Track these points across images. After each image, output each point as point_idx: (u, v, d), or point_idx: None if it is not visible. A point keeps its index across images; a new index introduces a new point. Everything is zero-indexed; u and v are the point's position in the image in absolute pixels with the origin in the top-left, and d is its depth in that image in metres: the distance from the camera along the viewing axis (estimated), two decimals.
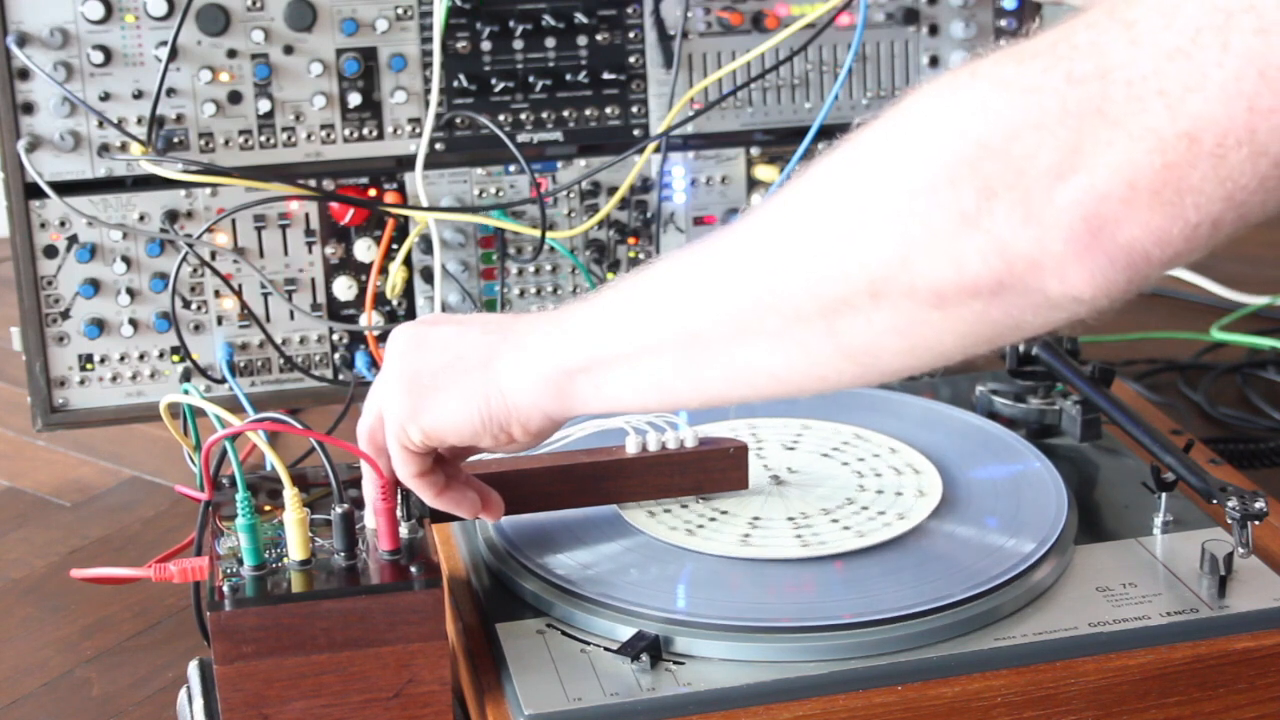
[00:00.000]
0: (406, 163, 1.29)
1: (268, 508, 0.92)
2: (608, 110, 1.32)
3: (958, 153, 0.68)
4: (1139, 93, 0.64)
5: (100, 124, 1.23)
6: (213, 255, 1.27)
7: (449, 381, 0.87)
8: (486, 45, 1.29)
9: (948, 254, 0.69)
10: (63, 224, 1.25)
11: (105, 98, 1.23)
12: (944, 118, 0.69)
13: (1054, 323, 0.71)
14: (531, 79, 1.30)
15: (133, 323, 1.28)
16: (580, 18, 1.30)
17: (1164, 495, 1.01)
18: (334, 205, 1.28)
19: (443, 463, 0.93)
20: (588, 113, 1.32)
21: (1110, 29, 0.65)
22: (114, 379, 1.28)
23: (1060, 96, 0.65)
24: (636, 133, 1.33)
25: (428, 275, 1.31)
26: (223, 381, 1.26)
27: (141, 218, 1.26)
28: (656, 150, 1.32)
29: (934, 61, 1.36)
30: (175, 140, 1.25)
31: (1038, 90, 0.66)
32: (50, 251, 1.25)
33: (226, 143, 1.26)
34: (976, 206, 0.67)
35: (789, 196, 0.76)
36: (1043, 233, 0.66)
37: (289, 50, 1.26)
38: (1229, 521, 0.96)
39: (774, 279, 0.75)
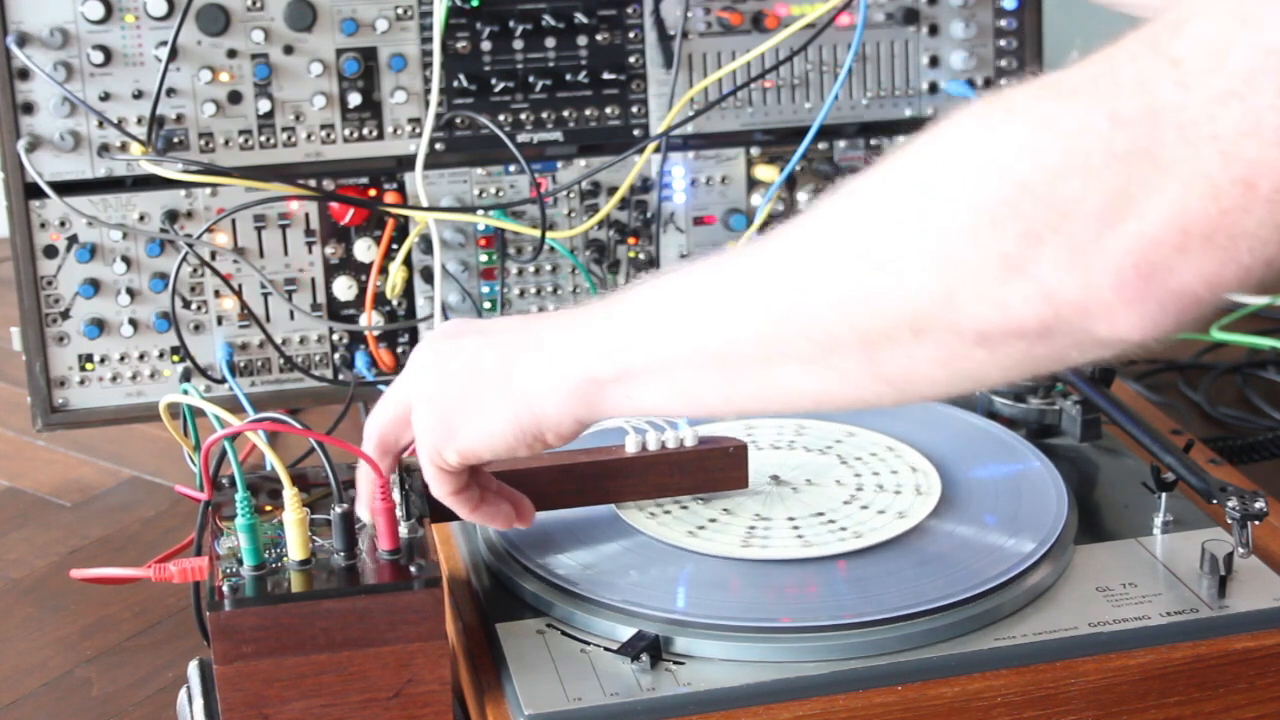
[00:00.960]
0: (406, 163, 1.29)
1: (268, 508, 0.92)
2: (608, 110, 1.32)
3: (998, 193, 0.66)
4: (1190, 136, 0.61)
5: (100, 124, 1.23)
6: (213, 255, 1.27)
7: (476, 402, 0.87)
8: (486, 45, 1.29)
9: (991, 297, 0.67)
10: (63, 224, 1.25)
11: (105, 98, 1.24)
12: (982, 154, 0.67)
13: (1101, 357, 0.70)
14: (531, 79, 1.30)
15: (133, 323, 1.28)
16: (580, 18, 1.30)
17: (1164, 495, 1.01)
18: (334, 205, 1.28)
19: (475, 474, 0.93)
20: (588, 113, 1.32)
21: (1156, 66, 0.63)
22: (114, 379, 1.28)
23: (1105, 138, 0.63)
24: (636, 133, 1.33)
25: (428, 275, 1.31)
26: (223, 381, 1.26)
27: (141, 218, 1.26)
28: (656, 150, 1.32)
29: (934, 61, 1.36)
30: (175, 140, 1.25)
31: (1081, 131, 0.64)
32: (50, 251, 1.25)
33: (226, 143, 1.26)
34: (1020, 250, 0.65)
35: (823, 216, 0.74)
36: (1091, 279, 0.65)
37: (289, 50, 1.26)
38: (1229, 521, 0.96)
39: (809, 304, 0.73)
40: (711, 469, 1.02)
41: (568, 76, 1.31)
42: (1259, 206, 0.62)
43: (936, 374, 0.72)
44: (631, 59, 1.32)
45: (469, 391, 0.87)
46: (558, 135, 1.32)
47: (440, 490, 0.91)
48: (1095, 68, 0.65)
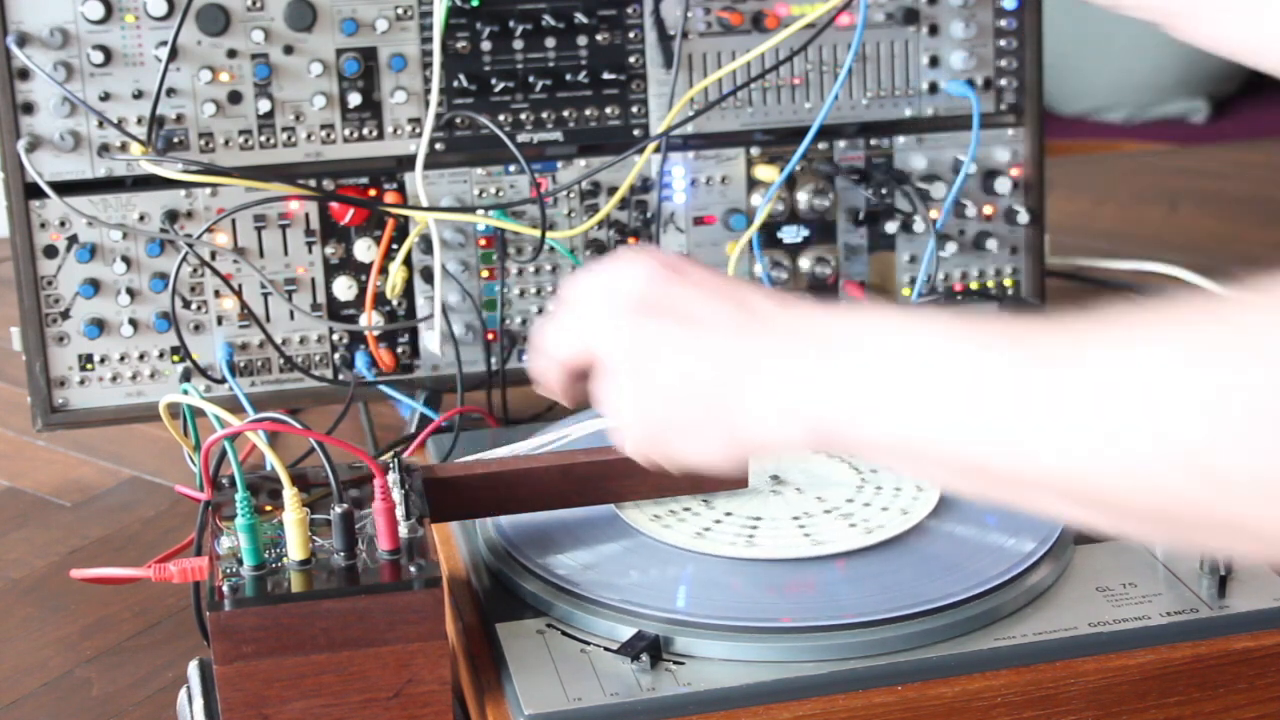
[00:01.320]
0: (406, 163, 1.29)
1: (268, 508, 0.92)
2: (608, 110, 1.32)
3: None
4: None
5: (100, 124, 1.23)
6: (213, 255, 1.27)
7: (689, 423, 0.79)
8: (486, 45, 1.29)
9: None
10: (63, 224, 1.25)
11: (105, 98, 1.24)
12: None
13: None
14: (531, 79, 1.30)
15: (133, 323, 1.28)
16: (580, 18, 1.30)
17: None
18: (334, 205, 1.28)
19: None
20: (588, 113, 1.32)
21: None
22: (114, 379, 1.28)
23: None
24: (636, 133, 1.33)
25: (428, 275, 1.31)
26: (223, 381, 1.26)
27: (141, 218, 1.26)
28: (656, 150, 1.32)
29: (934, 61, 1.36)
30: (175, 140, 1.25)
31: None
32: (50, 251, 1.25)
33: (226, 143, 1.26)
34: None
35: (1177, 342, 0.62)
36: None
37: (289, 50, 1.26)
38: None
39: (1107, 468, 0.62)
40: None
41: (568, 76, 1.31)
42: None
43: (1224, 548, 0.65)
44: (631, 59, 1.32)
45: (681, 410, 0.79)
46: (558, 135, 1.32)
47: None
48: None
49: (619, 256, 0.85)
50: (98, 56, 1.22)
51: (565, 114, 1.31)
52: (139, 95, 1.24)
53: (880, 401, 0.71)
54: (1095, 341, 0.64)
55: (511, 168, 1.31)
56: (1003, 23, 1.36)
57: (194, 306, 1.28)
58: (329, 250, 1.30)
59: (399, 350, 1.32)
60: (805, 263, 1.36)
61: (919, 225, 1.36)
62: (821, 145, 1.35)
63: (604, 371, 0.83)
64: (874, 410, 0.71)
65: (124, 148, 1.24)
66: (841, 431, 0.73)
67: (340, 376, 1.31)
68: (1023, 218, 1.38)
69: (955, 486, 0.76)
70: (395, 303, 1.31)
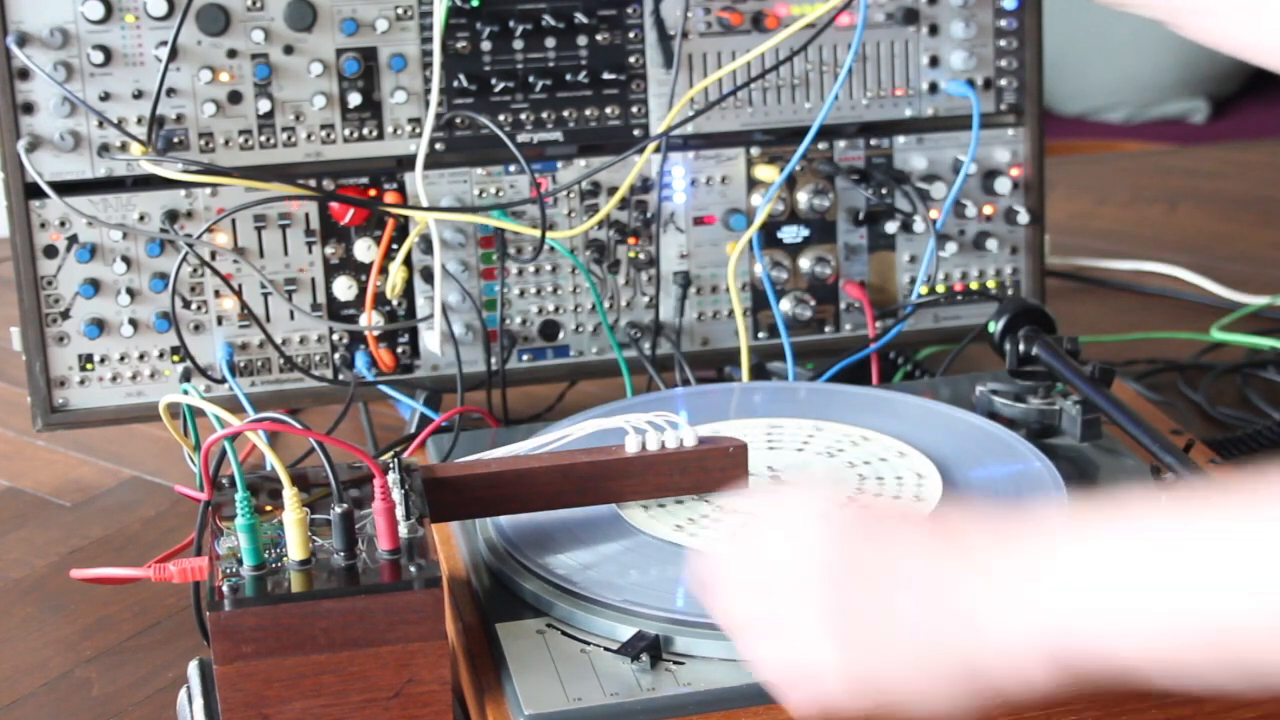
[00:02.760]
0: (406, 163, 1.29)
1: (268, 508, 0.92)
2: (608, 110, 1.32)
3: None
4: None
5: (100, 124, 1.23)
6: (213, 255, 1.27)
7: (912, 658, 0.71)
8: (486, 45, 1.29)
9: None
10: (63, 224, 1.25)
11: (105, 98, 1.24)
12: None
13: None
14: (531, 79, 1.30)
15: (133, 323, 1.28)
16: (580, 18, 1.30)
17: None
18: (334, 205, 1.28)
19: None
20: (588, 113, 1.32)
21: None
22: (114, 379, 1.28)
23: None
24: (636, 133, 1.33)
25: (428, 275, 1.31)
26: (223, 381, 1.26)
27: (141, 218, 1.26)
28: (656, 150, 1.32)
29: (934, 61, 1.36)
30: (175, 140, 1.25)
31: None
32: (50, 251, 1.25)
33: (226, 143, 1.26)
34: None
35: None
36: None
37: (289, 50, 1.26)
38: None
39: None
40: (711, 469, 1.02)
41: (568, 76, 1.31)
42: None
43: None
44: (631, 59, 1.32)
45: (902, 647, 0.71)
46: (558, 135, 1.32)
47: None
48: None
49: (796, 508, 0.76)
50: (98, 56, 1.22)
51: (565, 114, 1.31)
52: (139, 95, 1.24)
53: (1127, 622, 0.67)
54: None
55: (511, 168, 1.31)
56: (1003, 23, 1.36)
57: (194, 306, 1.28)
58: (329, 250, 1.30)
59: (399, 350, 1.32)
60: (805, 263, 1.36)
61: (919, 225, 1.36)
62: (821, 145, 1.35)
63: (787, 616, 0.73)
64: (1125, 630, 0.67)
65: (124, 148, 1.24)
66: (1090, 649, 0.69)
67: (340, 376, 1.31)
68: (1023, 218, 1.38)
69: (1220, 674, 0.68)
70: (395, 303, 1.31)
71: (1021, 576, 0.69)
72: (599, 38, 1.31)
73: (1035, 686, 0.69)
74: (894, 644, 0.71)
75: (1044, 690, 0.69)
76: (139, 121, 1.24)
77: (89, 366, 1.28)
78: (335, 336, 1.31)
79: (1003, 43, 1.36)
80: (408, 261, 1.30)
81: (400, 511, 0.90)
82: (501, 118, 1.30)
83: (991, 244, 1.38)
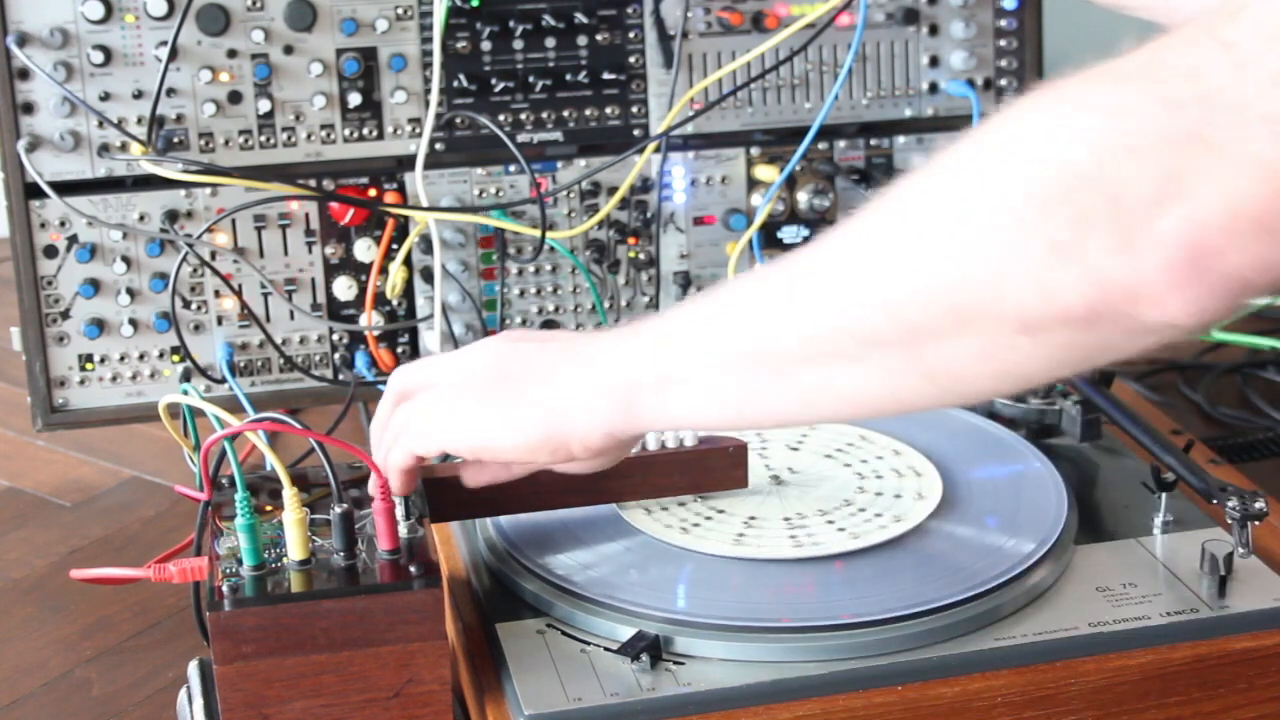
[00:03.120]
0: (406, 163, 1.29)
1: (268, 508, 0.92)
2: (608, 110, 1.32)
3: (1049, 179, 0.65)
4: (1242, 118, 0.61)
5: (100, 124, 1.23)
6: (213, 255, 1.27)
7: (511, 398, 0.86)
8: (486, 45, 1.29)
9: (1039, 284, 0.66)
10: (63, 224, 1.25)
11: (105, 98, 1.24)
12: (1033, 142, 0.66)
13: (1146, 346, 0.68)
14: (531, 79, 1.30)
15: (133, 323, 1.28)
16: (580, 18, 1.30)
17: (1164, 495, 1.01)
18: (334, 205, 1.28)
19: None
20: (588, 113, 1.32)
21: (1210, 51, 0.62)
22: (114, 379, 1.28)
23: (1158, 122, 0.63)
24: (636, 133, 1.33)
25: (428, 275, 1.31)
26: (223, 381, 1.26)
27: (141, 218, 1.26)
28: (656, 150, 1.32)
29: (934, 61, 1.36)
30: (175, 140, 1.25)
31: (1133, 115, 0.63)
32: (50, 251, 1.25)
33: (226, 143, 1.26)
34: (1070, 236, 0.65)
35: (869, 218, 0.73)
36: (1140, 263, 0.64)
37: (289, 50, 1.26)
38: (1229, 521, 0.96)
39: (853, 299, 0.73)
40: (711, 469, 1.02)
41: (568, 76, 1.31)
42: None
43: (980, 368, 0.71)
44: (631, 59, 1.32)
45: (507, 386, 0.87)
46: (558, 135, 1.32)
47: (399, 462, 0.90)
48: (1148, 54, 0.65)
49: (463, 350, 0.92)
50: (98, 56, 1.22)
51: (565, 114, 1.31)
52: (139, 95, 1.24)
53: (673, 346, 0.81)
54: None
55: (511, 168, 1.31)
56: (1003, 23, 1.36)
57: (194, 306, 1.28)
58: (329, 250, 1.30)
59: (399, 350, 1.32)
60: None
61: None
62: (821, 145, 1.35)
63: (435, 376, 0.91)
64: (669, 355, 0.81)
65: (124, 148, 1.24)
66: (645, 395, 0.82)
67: (340, 376, 1.31)
68: None
69: (757, 405, 0.79)
70: (395, 303, 1.31)
71: (601, 352, 0.84)
72: (599, 38, 1.31)
73: (594, 437, 0.84)
74: (503, 401, 0.87)
75: (602, 442, 0.84)
76: (139, 121, 1.24)
77: (89, 366, 1.28)
78: (335, 336, 1.31)
79: (1003, 43, 1.36)
80: (408, 261, 1.30)
81: (400, 511, 0.90)
82: (501, 118, 1.30)
83: None
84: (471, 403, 0.88)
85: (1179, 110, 0.62)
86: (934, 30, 1.35)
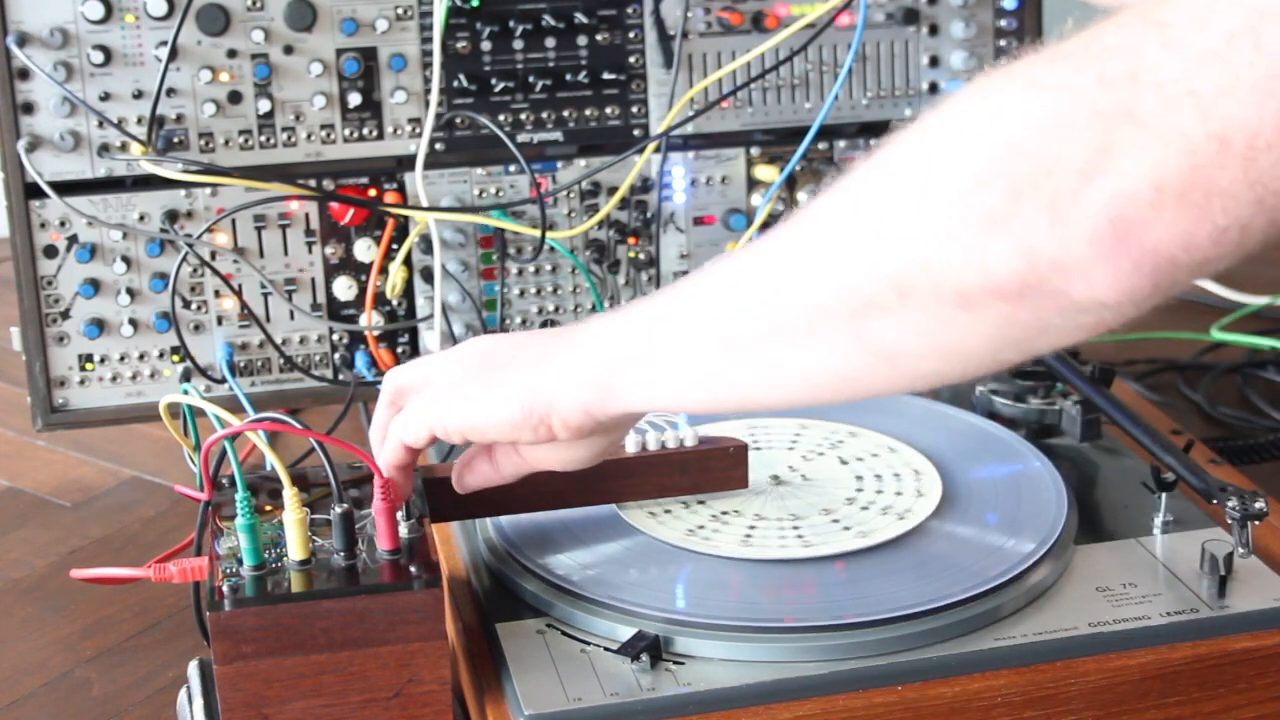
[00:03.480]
0: (406, 163, 1.29)
1: (268, 508, 0.92)
2: (608, 110, 1.32)
3: (987, 153, 0.67)
4: (1170, 95, 0.63)
5: (100, 124, 1.23)
6: (213, 255, 1.27)
7: (497, 379, 0.88)
8: (486, 45, 1.29)
9: (974, 255, 0.68)
10: (63, 224, 1.25)
11: (105, 98, 1.23)
12: (975, 119, 0.68)
13: (1082, 328, 0.70)
14: (531, 79, 1.30)
15: (133, 323, 1.28)
16: (580, 18, 1.30)
17: (1164, 495, 1.01)
18: (334, 205, 1.28)
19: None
20: (588, 113, 1.32)
21: (1143, 31, 0.64)
22: (114, 379, 1.28)
23: (1091, 97, 0.65)
24: (636, 133, 1.33)
25: (428, 275, 1.31)
26: (223, 381, 1.26)
27: (141, 218, 1.26)
28: (656, 150, 1.32)
29: (934, 62, 1.36)
30: (175, 140, 1.25)
31: (1068, 90, 0.65)
32: (50, 251, 1.25)
33: (226, 143, 1.26)
34: (1004, 207, 0.67)
35: (827, 198, 0.76)
36: (1068, 234, 0.65)
37: (289, 50, 1.26)
38: (1229, 521, 0.96)
39: (803, 275, 0.75)
40: (711, 469, 1.02)
41: (568, 76, 1.31)
42: (1233, 163, 0.62)
43: (922, 345, 0.72)
44: (631, 59, 1.32)
45: (494, 370, 0.89)
46: (558, 135, 1.32)
47: (390, 458, 0.91)
48: (1087, 34, 0.67)
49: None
50: (98, 56, 1.22)
51: (565, 114, 1.31)
52: (139, 95, 1.24)
53: (647, 327, 0.83)
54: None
55: (511, 168, 1.31)
56: (1003, 23, 1.36)
57: (194, 306, 1.28)
58: (329, 250, 1.30)
59: (399, 350, 1.32)
60: None
61: None
62: (821, 145, 1.35)
63: (431, 373, 0.93)
64: (643, 336, 0.83)
65: (124, 148, 1.24)
66: (622, 374, 0.84)
67: (340, 376, 1.31)
68: None
69: (722, 384, 0.81)
70: (395, 303, 1.31)
71: (583, 335, 0.86)
72: (599, 38, 1.31)
73: (574, 414, 0.85)
74: (489, 383, 0.89)
75: (581, 420, 0.86)
76: (139, 121, 1.24)
77: (89, 366, 1.28)
78: (335, 336, 1.31)
79: (1003, 43, 1.36)
80: (408, 261, 1.30)
81: (400, 511, 0.90)
82: (501, 118, 1.30)
83: None
84: (459, 388, 0.90)
85: (1112, 87, 0.64)
86: (934, 30, 1.35)
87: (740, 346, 0.79)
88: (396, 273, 1.29)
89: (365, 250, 1.29)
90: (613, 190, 1.33)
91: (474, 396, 0.89)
